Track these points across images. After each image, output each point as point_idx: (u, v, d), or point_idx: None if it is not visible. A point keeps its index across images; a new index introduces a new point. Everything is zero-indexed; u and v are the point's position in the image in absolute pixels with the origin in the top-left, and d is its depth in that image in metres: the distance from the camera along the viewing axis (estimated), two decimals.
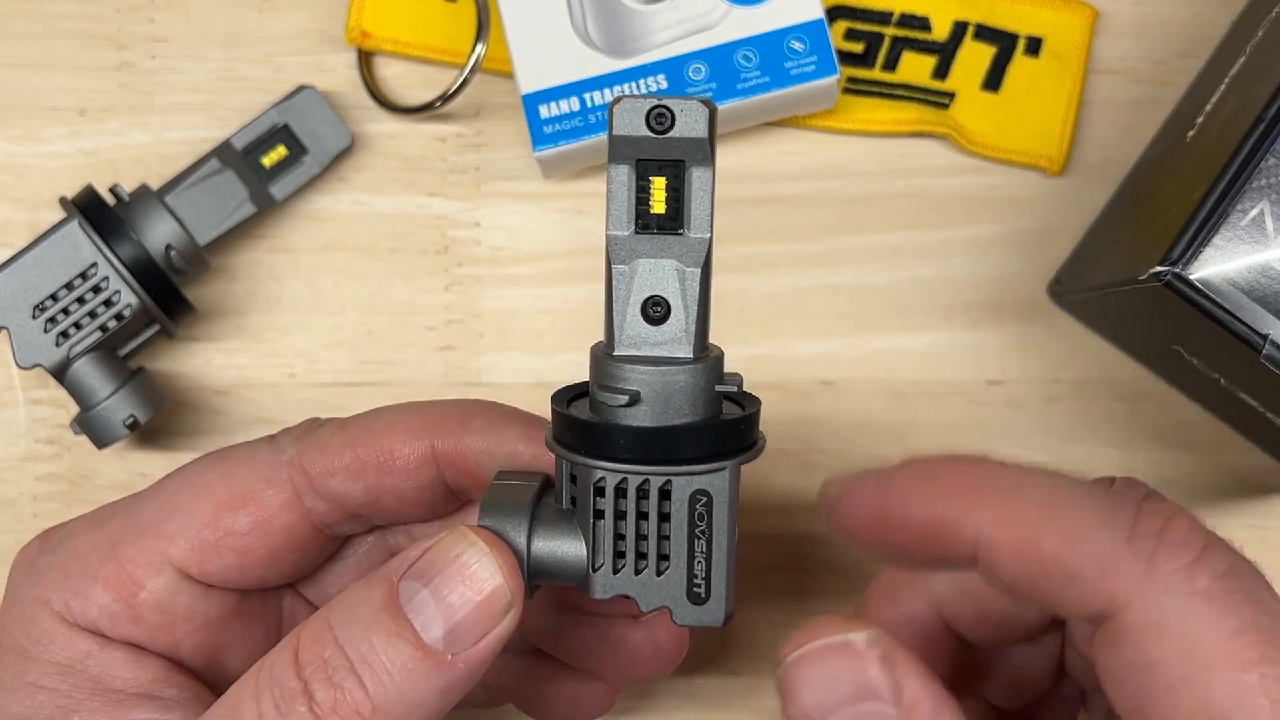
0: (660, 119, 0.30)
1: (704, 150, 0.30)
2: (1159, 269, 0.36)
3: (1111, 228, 0.44)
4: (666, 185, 0.30)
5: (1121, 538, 0.29)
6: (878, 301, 0.46)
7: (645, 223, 0.30)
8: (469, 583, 0.30)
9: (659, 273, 0.31)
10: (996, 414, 0.46)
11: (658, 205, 0.30)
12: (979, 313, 0.46)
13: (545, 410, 0.36)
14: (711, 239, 0.30)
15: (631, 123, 0.30)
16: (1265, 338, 0.35)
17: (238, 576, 0.34)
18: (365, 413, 0.35)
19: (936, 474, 0.31)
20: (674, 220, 0.30)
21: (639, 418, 0.30)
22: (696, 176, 0.30)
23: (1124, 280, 0.38)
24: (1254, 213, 0.36)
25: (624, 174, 0.30)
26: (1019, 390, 0.46)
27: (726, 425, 0.31)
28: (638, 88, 0.44)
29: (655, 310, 0.31)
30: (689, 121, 0.30)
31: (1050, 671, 0.37)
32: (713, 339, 0.40)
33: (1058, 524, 0.29)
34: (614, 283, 0.31)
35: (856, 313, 0.46)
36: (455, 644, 0.30)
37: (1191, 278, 0.35)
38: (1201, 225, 0.35)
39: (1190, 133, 0.42)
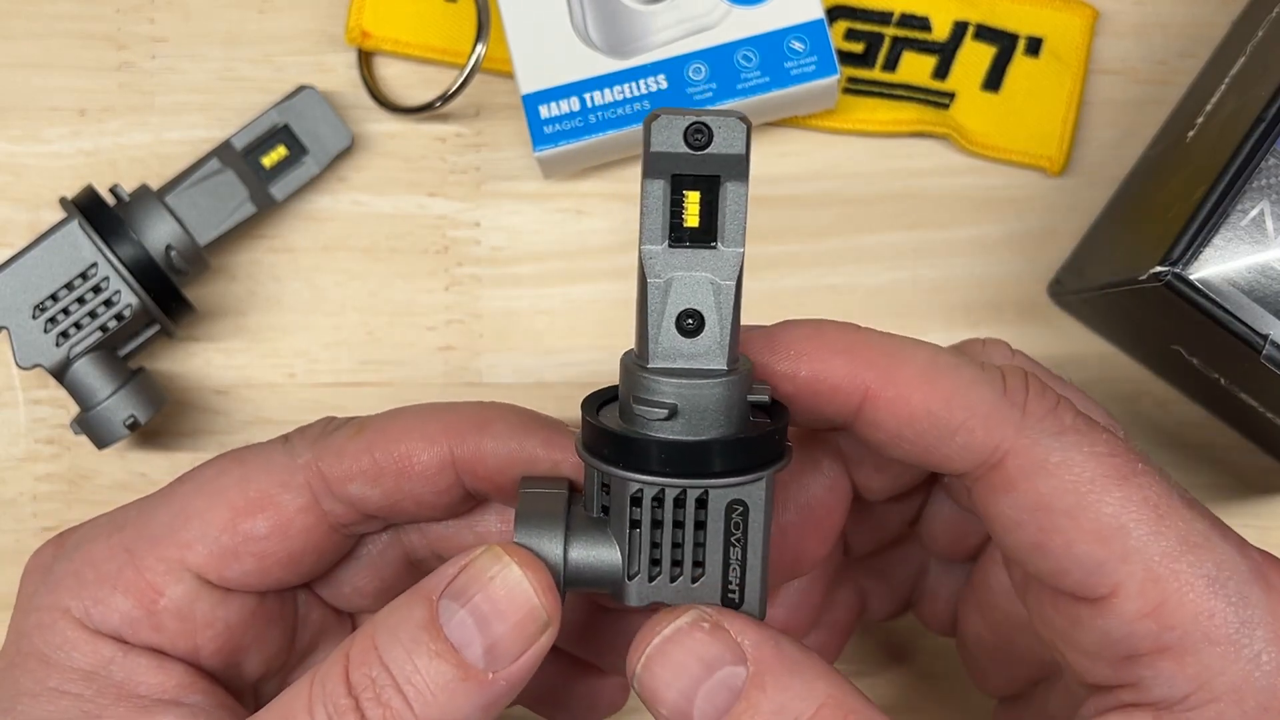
0: (698, 135, 0.30)
1: (741, 166, 0.30)
2: (1159, 269, 0.36)
3: (1111, 228, 0.44)
4: (701, 199, 0.30)
5: (998, 393, 0.32)
6: (878, 301, 0.46)
7: (679, 236, 0.30)
8: (505, 604, 0.31)
9: (693, 286, 0.31)
10: None
11: (691, 219, 0.30)
12: (979, 313, 0.46)
13: (548, 410, 0.36)
14: (744, 252, 0.31)
15: (669, 139, 0.30)
16: (1265, 338, 0.35)
17: (257, 580, 0.34)
18: (381, 415, 0.35)
19: (823, 333, 0.33)
20: (708, 234, 0.30)
21: (676, 430, 0.30)
22: (731, 191, 0.30)
23: (1124, 280, 0.38)
24: (1254, 213, 0.36)
25: (659, 189, 0.30)
26: None
27: (762, 437, 0.31)
28: (638, 88, 0.44)
29: (689, 323, 0.31)
30: (727, 138, 0.30)
31: (901, 526, 0.39)
32: None
33: (940, 383, 0.32)
34: (649, 296, 0.31)
35: (856, 313, 0.46)
36: (495, 662, 0.30)
37: (1191, 278, 0.35)
38: (1201, 225, 0.35)
39: (1190, 133, 0.42)
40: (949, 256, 0.46)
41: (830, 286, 0.46)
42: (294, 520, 0.34)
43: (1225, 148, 0.36)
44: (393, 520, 0.36)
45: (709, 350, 0.31)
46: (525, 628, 0.31)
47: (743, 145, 0.30)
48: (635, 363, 0.31)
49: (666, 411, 0.30)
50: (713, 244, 0.30)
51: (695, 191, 0.30)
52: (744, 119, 0.30)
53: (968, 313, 0.46)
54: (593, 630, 0.37)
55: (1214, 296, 0.35)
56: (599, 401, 0.33)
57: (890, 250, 0.46)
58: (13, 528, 0.46)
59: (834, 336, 0.33)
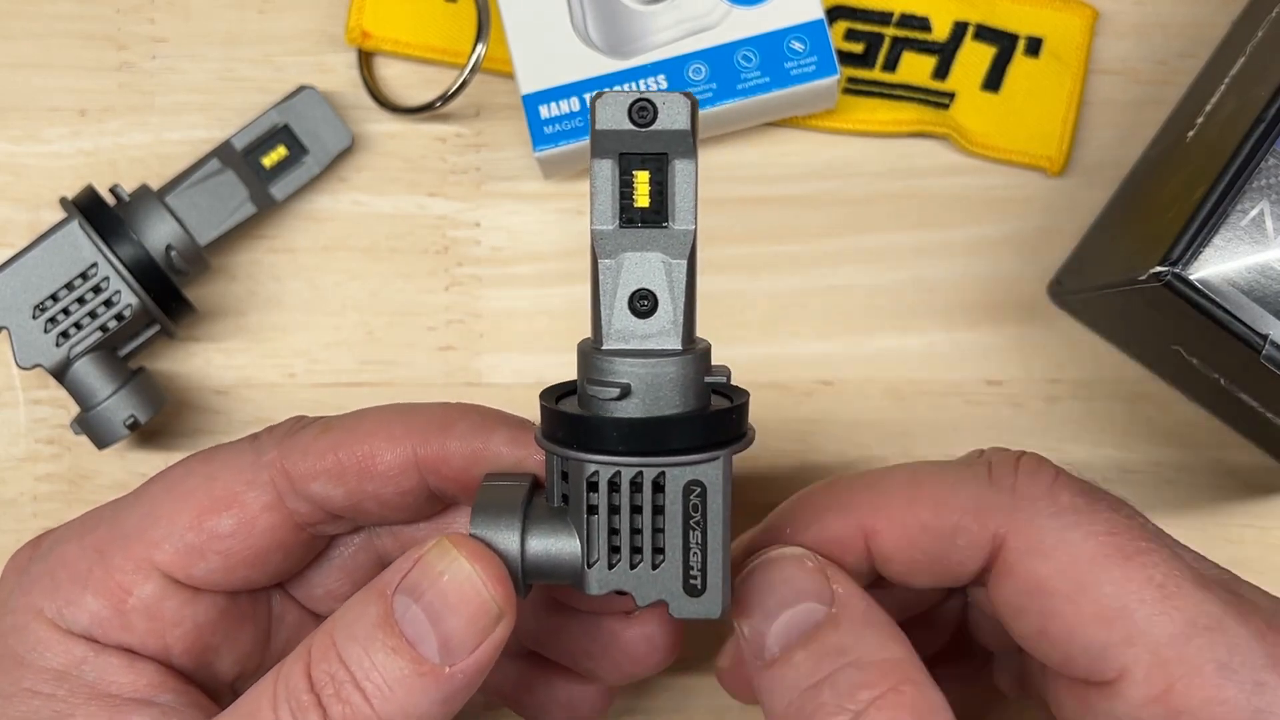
0: (643, 112, 0.30)
1: (687, 142, 0.30)
2: (1159, 269, 0.36)
3: (1111, 228, 0.44)
4: (650, 179, 0.30)
5: (983, 483, 0.32)
6: (878, 301, 0.46)
7: (629, 217, 0.31)
8: (456, 599, 0.31)
9: (645, 266, 0.31)
10: (996, 414, 0.46)
11: (641, 199, 0.31)
12: (979, 313, 0.46)
13: (557, 384, 0.36)
14: (696, 230, 0.31)
15: (614, 117, 0.30)
16: (1265, 338, 0.35)
17: (223, 579, 0.35)
18: (349, 414, 0.35)
19: (810, 498, 0.34)
20: (658, 213, 0.31)
21: (630, 410, 0.30)
22: (680, 169, 0.30)
23: (1124, 280, 0.38)
24: (1254, 213, 0.36)
25: (607, 169, 0.30)
26: (1019, 390, 0.46)
27: (718, 415, 0.31)
28: (637, 88, 0.44)
29: (642, 303, 0.31)
30: (671, 114, 0.30)
31: (950, 629, 0.39)
32: (713, 339, 0.39)
33: (924, 493, 0.32)
34: (600, 277, 0.31)
35: (856, 313, 0.46)
36: (450, 656, 0.30)
37: (1191, 278, 0.35)
38: (1201, 225, 0.35)
39: (1190, 133, 0.42)
40: (949, 256, 0.46)
41: (830, 286, 0.46)
42: (258, 518, 0.34)
43: (1225, 148, 0.36)
44: (357, 521, 0.36)
45: (663, 330, 0.31)
46: (478, 621, 0.31)
47: (687, 121, 0.30)
48: (590, 346, 0.31)
49: (619, 391, 0.30)
50: (664, 223, 0.31)
51: (644, 171, 0.30)
52: (688, 95, 0.30)
53: (968, 313, 0.46)
54: (567, 634, 0.37)
55: (1214, 296, 0.35)
56: (558, 393, 0.33)
57: (890, 250, 0.46)
58: (13, 528, 0.46)
59: (819, 497, 0.34)
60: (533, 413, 0.36)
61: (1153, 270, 0.36)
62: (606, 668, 0.37)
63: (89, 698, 0.33)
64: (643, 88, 0.44)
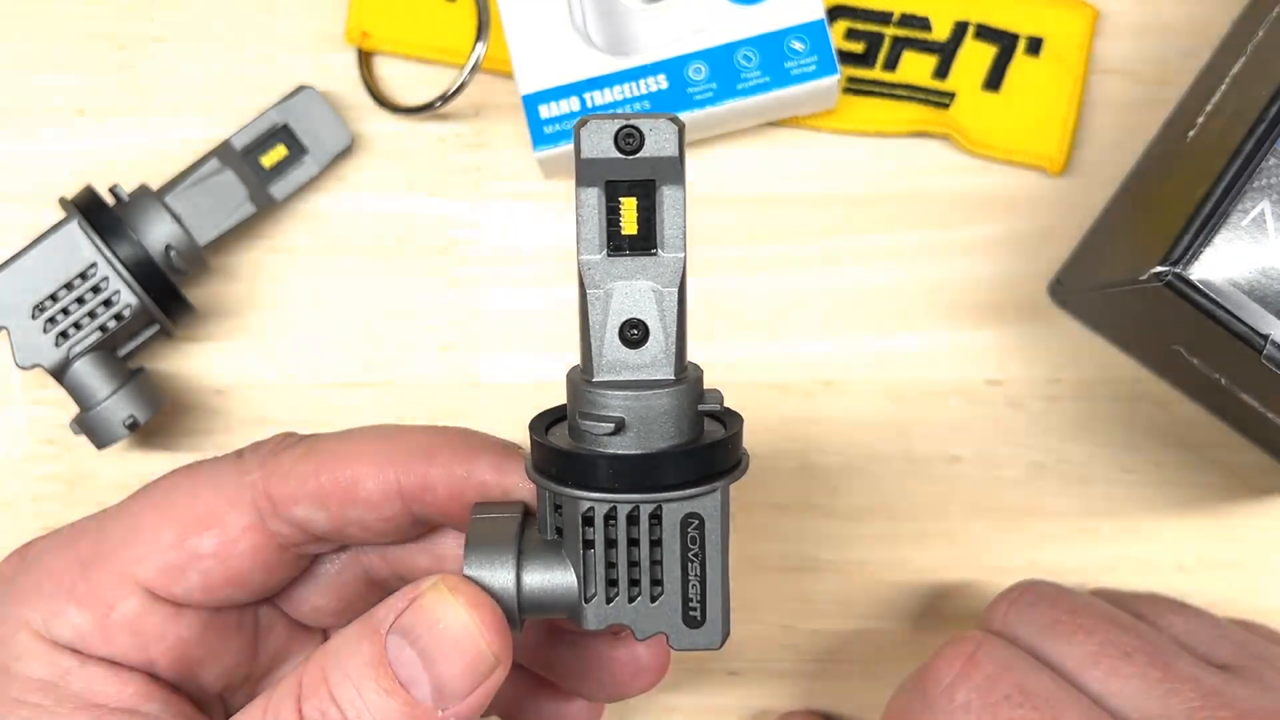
0: (629, 139, 0.29)
1: (675, 168, 0.29)
2: (1159, 269, 0.36)
3: (1112, 228, 0.44)
4: (637, 205, 0.30)
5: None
6: (878, 301, 0.46)
7: (617, 244, 0.30)
8: (452, 647, 0.30)
9: (635, 295, 0.30)
10: (996, 414, 0.46)
11: (629, 226, 0.30)
12: (979, 313, 0.46)
13: (546, 410, 0.36)
14: (686, 258, 0.30)
15: (599, 144, 0.29)
16: (1266, 338, 0.35)
17: (204, 597, 0.34)
18: (333, 435, 0.35)
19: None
20: (646, 241, 0.30)
21: (624, 445, 0.30)
22: (668, 195, 0.29)
23: (1124, 280, 0.38)
24: (1254, 213, 0.35)
25: (593, 197, 0.29)
26: (1019, 390, 0.46)
27: (714, 446, 0.30)
28: (638, 88, 0.44)
29: (633, 333, 0.30)
30: (659, 140, 0.29)
31: None
32: (713, 339, 0.40)
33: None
34: (590, 308, 0.30)
35: (856, 313, 0.46)
36: (443, 700, 0.30)
37: (1192, 278, 0.35)
38: (1202, 225, 0.35)
39: (1191, 133, 0.42)
40: (949, 256, 0.46)
41: (830, 286, 0.46)
42: (240, 539, 0.34)
43: (1225, 148, 0.36)
44: (342, 543, 0.36)
45: (655, 360, 0.30)
46: (474, 669, 0.30)
47: (675, 147, 0.29)
48: (580, 377, 0.30)
49: (613, 425, 0.29)
50: (653, 251, 0.30)
51: (631, 197, 0.29)
52: (675, 120, 0.29)
53: (968, 313, 0.46)
54: (554, 652, 0.37)
55: (1214, 296, 0.35)
56: (548, 421, 0.32)
57: (890, 250, 0.46)
58: (13, 528, 0.46)
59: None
60: (533, 413, 0.36)
61: (1153, 270, 0.36)
62: (593, 687, 0.37)
63: (76, 707, 0.33)
64: (643, 88, 0.44)
